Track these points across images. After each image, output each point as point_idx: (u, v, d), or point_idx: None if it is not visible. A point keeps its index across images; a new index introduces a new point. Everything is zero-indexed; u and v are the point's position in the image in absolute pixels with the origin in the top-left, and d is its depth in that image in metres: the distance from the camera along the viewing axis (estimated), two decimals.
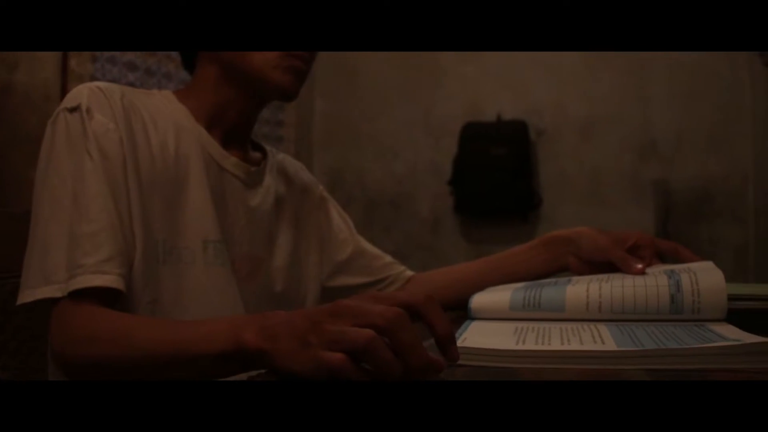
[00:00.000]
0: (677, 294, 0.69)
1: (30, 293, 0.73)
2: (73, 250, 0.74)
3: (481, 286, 0.93)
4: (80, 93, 0.81)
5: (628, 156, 2.56)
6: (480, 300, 0.78)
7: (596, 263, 0.92)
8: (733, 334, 0.59)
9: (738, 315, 0.68)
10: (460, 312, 0.88)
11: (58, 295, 0.72)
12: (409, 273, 1.10)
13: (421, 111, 2.85)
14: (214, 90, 0.90)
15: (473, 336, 0.65)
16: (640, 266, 0.82)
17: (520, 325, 0.70)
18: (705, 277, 0.70)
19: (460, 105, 2.78)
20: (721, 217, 2.44)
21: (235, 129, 0.93)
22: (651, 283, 0.71)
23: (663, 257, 0.91)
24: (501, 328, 0.69)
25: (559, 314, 0.72)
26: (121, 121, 0.81)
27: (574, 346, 0.58)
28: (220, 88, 0.90)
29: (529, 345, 0.59)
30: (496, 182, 2.62)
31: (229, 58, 0.88)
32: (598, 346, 0.57)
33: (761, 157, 2.32)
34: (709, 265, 0.76)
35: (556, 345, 0.59)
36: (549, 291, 0.75)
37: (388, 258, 1.11)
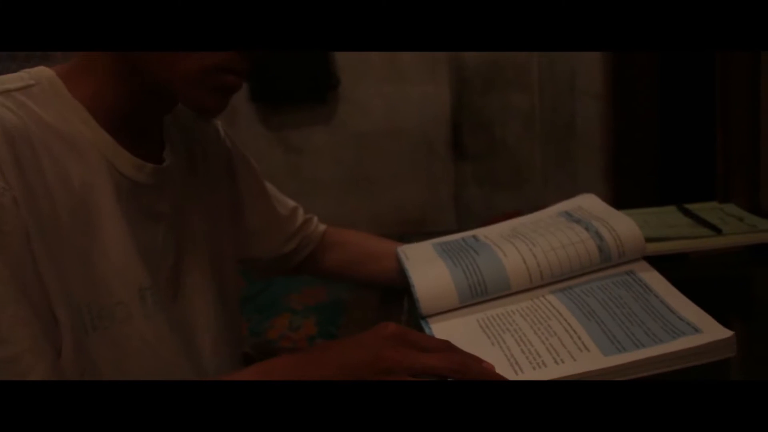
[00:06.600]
0: (602, 243, 0.77)
1: None
2: None
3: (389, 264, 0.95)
4: None
5: None
6: (425, 292, 0.77)
7: None
8: (686, 312, 0.65)
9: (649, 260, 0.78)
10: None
11: None
12: (322, 227, 1.01)
13: None
14: (116, 83, 0.66)
15: None
16: None
17: (480, 317, 0.74)
18: (618, 224, 0.78)
19: None
20: (510, 86, 2.55)
21: (148, 126, 0.73)
22: (575, 239, 0.78)
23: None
24: (468, 330, 0.72)
25: (505, 291, 0.77)
26: (11, 171, 0.57)
27: (568, 366, 0.61)
28: (123, 81, 0.66)
29: (528, 372, 0.62)
30: (292, 66, 2.53)
31: (133, 56, 0.63)
32: (586, 357, 0.62)
33: None
34: (607, 207, 0.84)
35: (551, 366, 0.62)
36: (487, 268, 0.77)
37: (301, 213, 0.98)
